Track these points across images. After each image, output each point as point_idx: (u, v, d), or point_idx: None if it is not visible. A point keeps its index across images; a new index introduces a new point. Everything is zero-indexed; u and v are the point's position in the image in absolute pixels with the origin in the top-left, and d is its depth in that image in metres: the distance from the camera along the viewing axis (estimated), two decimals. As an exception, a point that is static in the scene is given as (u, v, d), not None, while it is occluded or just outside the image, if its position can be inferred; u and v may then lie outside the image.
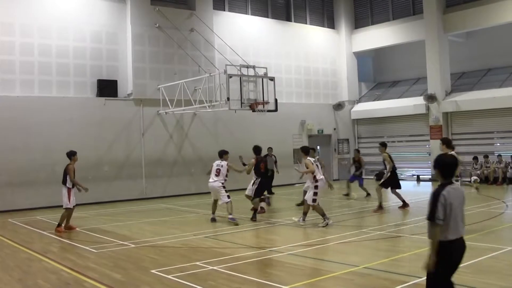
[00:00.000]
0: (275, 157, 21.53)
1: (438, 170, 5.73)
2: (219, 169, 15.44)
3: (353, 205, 18.84)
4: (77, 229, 14.66)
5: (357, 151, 22.41)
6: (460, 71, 28.74)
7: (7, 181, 19.95)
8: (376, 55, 33.53)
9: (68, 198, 14.51)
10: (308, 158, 14.32)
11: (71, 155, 15.00)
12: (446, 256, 5.61)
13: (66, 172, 14.69)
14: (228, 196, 15.17)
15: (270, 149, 21.64)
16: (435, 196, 5.53)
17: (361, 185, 21.06)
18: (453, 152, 12.22)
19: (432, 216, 5.51)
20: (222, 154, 15.73)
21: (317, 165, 14.32)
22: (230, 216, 14.95)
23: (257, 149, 16.45)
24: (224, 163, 15.51)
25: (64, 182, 14.65)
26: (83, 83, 22.25)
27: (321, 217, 13.87)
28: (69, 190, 14.57)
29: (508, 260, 9.45)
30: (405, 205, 16.90)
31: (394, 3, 30.49)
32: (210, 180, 15.38)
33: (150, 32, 23.62)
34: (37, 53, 21.16)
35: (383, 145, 17.83)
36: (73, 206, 14.70)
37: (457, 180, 15.90)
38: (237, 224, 14.60)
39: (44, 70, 21.29)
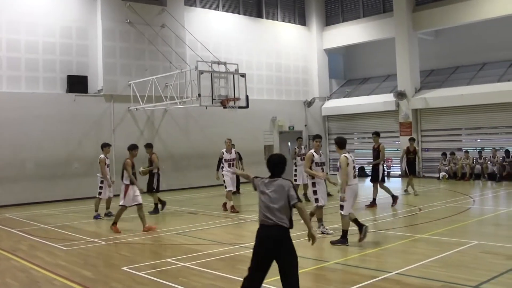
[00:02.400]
0: (239, 154, 20.50)
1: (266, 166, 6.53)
2: None
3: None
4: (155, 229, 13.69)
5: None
6: (429, 68, 29.11)
7: (-25, 178, 19.65)
8: (346, 52, 33.76)
9: (124, 195, 13.45)
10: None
11: (131, 149, 14.07)
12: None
13: (124, 167, 13.69)
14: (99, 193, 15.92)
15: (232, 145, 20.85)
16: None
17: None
18: (346, 154, 11.13)
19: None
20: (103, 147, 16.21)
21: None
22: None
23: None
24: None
25: (122, 178, 13.69)
26: (53, 78, 21.98)
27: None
28: (126, 186, 13.48)
29: (475, 254, 9.62)
30: (374, 203, 16.74)
31: (365, 1, 30.72)
32: None
33: (121, 27, 23.42)
34: (5, 48, 20.84)
35: (378, 134, 17.46)
36: (129, 206, 13.50)
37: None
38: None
39: (13, 65, 20.98)
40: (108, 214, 16.11)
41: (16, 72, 21.07)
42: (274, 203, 6.32)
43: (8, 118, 20.48)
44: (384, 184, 17.08)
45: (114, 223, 13.52)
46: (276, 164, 6.49)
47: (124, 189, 13.53)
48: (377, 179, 16.84)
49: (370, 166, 17.22)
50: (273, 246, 6.36)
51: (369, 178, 17.69)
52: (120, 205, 13.55)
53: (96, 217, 15.90)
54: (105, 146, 16.37)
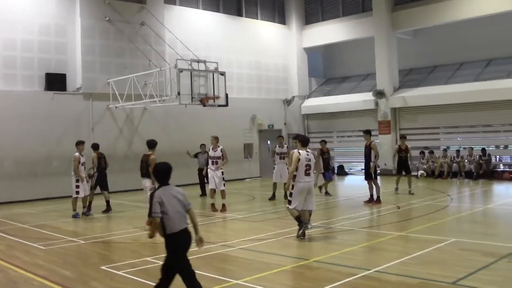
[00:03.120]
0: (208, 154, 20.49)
1: (154, 175, 6.78)
2: None
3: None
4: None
5: (324, 142, 20.46)
6: (408, 67, 29.34)
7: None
8: (326, 51, 33.88)
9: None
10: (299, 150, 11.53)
11: (155, 145, 14.24)
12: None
13: (149, 164, 13.68)
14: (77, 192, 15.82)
15: (203, 146, 20.57)
16: (151, 196, 6.44)
17: (329, 179, 19.79)
18: (309, 150, 11.37)
19: (150, 212, 6.37)
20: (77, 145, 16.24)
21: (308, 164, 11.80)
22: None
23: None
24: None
25: (147, 174, 13.81)
26: (31, 76, 21.78)
27: None
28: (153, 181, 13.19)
29: (452, 251, 9.73)
30: (372, 200, 16.73)
31: (344, 0, 30.84)
32: None
33: (100, 25, 23.26)
34: (-18, 45, 20.64)
35: (368, 132, 17.38)
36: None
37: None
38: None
39: (-10, 63, 20.78)
40: (86, 213, 16.01)
41: (-7, 69, 20.88)
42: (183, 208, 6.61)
43: (-15, 116, 20.28)
44: (377, 182, 17.04)
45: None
46: (166, 172, 6.67)
47: (150, 183, 13.74)
48: (371, 176, 16.84)
49: (369, 165, 17.02)
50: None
51: (362, 176, 17.78)
52: None
53: (75, 216, 15.79)
54: (80, 144, 16.22)
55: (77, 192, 15.90)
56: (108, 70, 23.29)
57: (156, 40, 24.32)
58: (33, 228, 14.20)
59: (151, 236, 6.65)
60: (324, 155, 19.55)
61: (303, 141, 11.56)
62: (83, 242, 12.00)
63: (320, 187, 18.93)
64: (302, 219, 11.21)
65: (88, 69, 22.90)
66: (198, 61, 19.91)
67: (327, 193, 19.06)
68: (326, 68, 34.48)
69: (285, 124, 31.11)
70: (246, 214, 15.52)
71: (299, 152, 11.15)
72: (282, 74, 31.49)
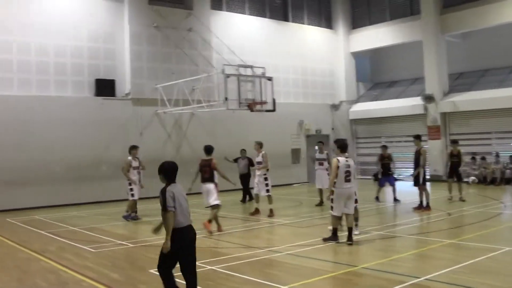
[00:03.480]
0: (249, 159, 20.26)
1: (162, 174, 7.06)
2: None
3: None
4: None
5: (385, 147, 19.56)
6: (458, 71, 28.76)
7: (6, 180, 19.94)
8: (373, 55, 33.56)
9: (217, 194, 13.87)
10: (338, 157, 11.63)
11: (212, 150, 14.40)
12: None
13: (214, 168, 13.93)
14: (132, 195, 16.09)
15: (243, 151, 20.76)
16: (163, 192, 6.80)
17: (392, 184, 18.99)
18: (340, 157, 11.38)
19: (165, 206, 6.72)
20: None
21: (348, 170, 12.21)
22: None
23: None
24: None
25: (210, 178, 13.96)
26: (81, 82, 22.25)
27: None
28: (216, 185, 13.96)
29: (506, 261, 9.46)
30: (421, 207, 16.44)
31: (392, 4, 30.53)
32: None
33: (148, 31, 23.61)
34: (34, 52, 21.18)
35: (418, 137, 17.11)
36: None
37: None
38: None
39: (42, 69, 21.31)
40: (134, 218, 16.17)
41: (45, 76, 21.39)
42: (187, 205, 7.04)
43: (37, 121, 20.80)
44: (426, 188, 16.74)
45: (210, 221, 13.54)
46: (174, 170, 7.13)
47: (215, 188, 13.84)
48: (419, 182, 16.58)
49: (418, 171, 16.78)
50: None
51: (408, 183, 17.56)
52: (217, 204, 13.67)
53: (126, 217, 15.96)
54: (133, 149, 16.47)
55: (132, 195, 16.13)
56: (156, 76, 23.59)
57: (203, 46, 24.54)
58: (83, 231, 14.45)
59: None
60: (384, 160, 19.01)
61: (341, 147, 11.60)
62: (131, 245, 12.15)
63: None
64: (337, 233, 11.44)
65: (137, 75, 23.26)
66: (245, 66, 19.95)
67: (376, 198, 18.77)
68: (374, 73, 34.14)
69: (332, 129, 30.92)
70: (293, 219, 15.44)
71: (338, 159, 11.24)
72: (329, 79, 31.33)
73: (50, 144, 20.84)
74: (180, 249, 6.88)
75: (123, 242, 12.47)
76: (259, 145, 16.96)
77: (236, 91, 19.12)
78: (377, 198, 18.81)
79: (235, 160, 20.83)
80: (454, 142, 19.71)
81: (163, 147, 23.69)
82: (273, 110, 20.36)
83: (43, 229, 14.88)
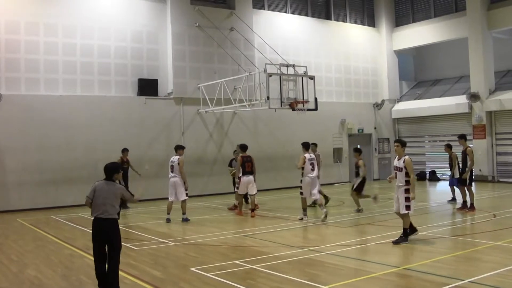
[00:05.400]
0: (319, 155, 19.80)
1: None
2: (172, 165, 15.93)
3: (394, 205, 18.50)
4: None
5: (449, 146, 18.54)
6: (505, 69, 28.11)
7: (51, 179, 20.39)
8: (417, 53, 33.10)
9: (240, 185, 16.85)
10: (305, 154, 15.47)
11: (247, 147, 17.19)
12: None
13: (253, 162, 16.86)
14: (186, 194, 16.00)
15: (236, 152, 19.66)
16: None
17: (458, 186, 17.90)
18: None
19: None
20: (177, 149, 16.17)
21: (312, 162, 15.43)
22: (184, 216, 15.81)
23: (242, 147, 17.28)
24: (176, 158, 15.93)
25: (252, 172, 16.74)
26: (124, 82, 22.57)
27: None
28: (240, 178, 16.76)
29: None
30: (465, 207, 16.23)
31: (436, 1, 30.04)
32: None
33: (190, 31, 23.79)
34: (79, 53, 21.58)
35: (463, 137, 17.04)
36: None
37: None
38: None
39: (87, 69, 21.69)
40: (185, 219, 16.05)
41: (89, 76, 21.77)
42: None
43: (82, 120, 21.20)
44: (471, 188, 16.51)
45: (253, 210, 16.58)
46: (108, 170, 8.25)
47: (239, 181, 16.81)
48: (465, 182, 16.36)
49: (465, 171, 16.52)
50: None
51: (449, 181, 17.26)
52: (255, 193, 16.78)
53: (185, 220, 15.78)
54: (180, 148, 16.02)
55: (187, 195, 16.09)
56: (198, 75, 23.77)
57: (245, 45, 24.59)
58: (126, 229, 14.63)
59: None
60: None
61: (403, 144, 11.71)
62: (173, 244, 12.26)
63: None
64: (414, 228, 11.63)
65: (179, 75, 23.47)
66: (287, 65, 19.89)
67: (454, 199, 18.04)
68: (417, 71, 33.68)
69: (375, 128, 30.63)
70: (335, 219, 15.35)
71: (410, 159, 11.44)
72: (372, 77, 31.05)
73: (94, 144, 21.19)
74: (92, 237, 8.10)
75: (165, 241, 12.60)
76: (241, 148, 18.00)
77: (278, 90, 19.07)
78: (454, 199, 18.15)
79: (230, 164, 20.28)
80: None
81: (205, 146, 23.86)
82: (315, 109, 20.26)
83: (87, 226, 15.09)
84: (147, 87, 22.88)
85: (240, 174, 16.73)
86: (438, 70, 31.82)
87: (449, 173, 19.20)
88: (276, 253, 10.68)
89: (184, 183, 15.70)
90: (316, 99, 20.02)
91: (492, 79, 27.21)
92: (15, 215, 18.35)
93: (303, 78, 19.75)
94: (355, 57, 30.22)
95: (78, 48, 21.58)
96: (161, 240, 12.71)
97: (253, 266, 9.47)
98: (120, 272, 9.38)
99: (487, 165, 25.63)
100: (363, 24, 31.18)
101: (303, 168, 15.38)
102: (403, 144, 11.63)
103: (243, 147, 17.03)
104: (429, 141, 30.99)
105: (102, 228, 7.94)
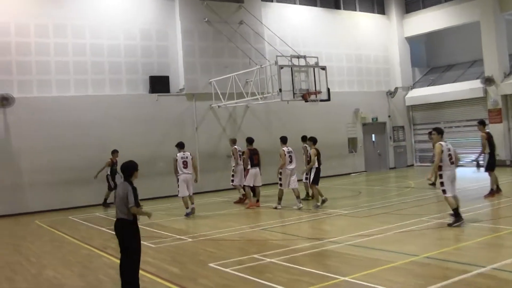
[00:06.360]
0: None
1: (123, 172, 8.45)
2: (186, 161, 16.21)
3: (412, 193, 18.45)
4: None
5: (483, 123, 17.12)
6: (519, 51, 27.79)
7: (65, 179, 20.40)
8: (428, 39, 32.77)
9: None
10: (283, 148, 16.38)
11: (252, 141, 18.06)
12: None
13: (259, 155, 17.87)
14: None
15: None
16: (135, 189, 8.16)
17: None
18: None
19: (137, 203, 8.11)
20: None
21: (290, 155, 16.29)
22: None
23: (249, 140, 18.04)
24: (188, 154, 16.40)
25: (259, 164, 17.70)
26: (135, 80, 22.57)
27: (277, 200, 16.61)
28: (247, 170, 17.56)
29: None
30: (492, 192, 15.94)
31: (446, -15, 29.74)
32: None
33: (199, 27, 23.74)
34: (89, 53, 21.59)
35: (482, 123, 16.77)
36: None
37: None
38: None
39: (97, 69, 21.70)
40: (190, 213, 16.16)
41: (100, 75, 21.78)
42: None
43: (94, 120, 21.19)
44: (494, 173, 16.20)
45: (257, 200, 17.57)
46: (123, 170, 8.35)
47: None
48: (491, 167, 16.10)
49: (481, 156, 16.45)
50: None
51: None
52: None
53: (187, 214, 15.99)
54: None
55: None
56: (209, 70, 23.71)
57: (255, 38, 24.50)
58: (142, 226, 14.52)
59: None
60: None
61: (440, 132, 12.23)
62: (190, 240, 12.24)
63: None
64: (459, 212, 11.74)
65: (190, 70, 23.43)
66: (298, 57, 19.78)
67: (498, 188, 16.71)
68: (430, 57, 33.37)
69: (389, 116, 30.43)
70: (352, 209, 15.27)
71: (441, 144, 11.84)
72: (384, 65, 30.83)
73: (107, 143, 21.02)
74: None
75: (182, 237, 12.59)
76: (231, 141, 19.50)
77: (290, 82, 18.99)
78: (498, 188, 16.64)
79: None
80: None
81: (218, 141, 23.79)
82: (328, 100, 20.16)
83: (104, 226, 15.16)
84: (159, 84, 22.86)
85: (249, 166, 17.38)
86: (451, 55, 31.49)
87: (467, 158, 18.98)
88: (294, 245, 10.63)
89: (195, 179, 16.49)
90: (328, 89, 19.91)
91: (506, 62, 26.88)
92: (32, 217, 18.43)
93: (315, 68, 19.65)
94: (366, 46, 30.00)
95: (88, 48, 21.58)
96: (178, 236, 12.70)
97: (272, 260, 9.42)
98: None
99: (504, 149, 25.34)
100: (373, 12, 30.94)
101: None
102: (439, 132, 12.20)
103: (250, 140, 17.86)
104: (445, 127, 30.60)
105: (115, 227, 8.10)
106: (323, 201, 16.15)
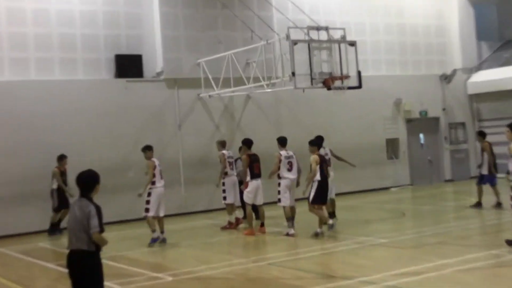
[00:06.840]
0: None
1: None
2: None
3: (476, 216, 18.41)
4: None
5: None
6: None
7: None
8: (501, 2, 32.71)
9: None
10: (280, 151, 16.75)
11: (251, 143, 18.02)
12: None
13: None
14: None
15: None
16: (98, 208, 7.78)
17: (494, 185, 19.39)
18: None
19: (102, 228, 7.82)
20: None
21: (289, 161, 16.56)
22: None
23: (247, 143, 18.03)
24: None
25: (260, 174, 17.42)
26: (96, 60, 22.57)
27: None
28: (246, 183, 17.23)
29: None
30: None
31: None
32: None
33: (184, -13, 23.82)
34: (31, 21, 21.53)
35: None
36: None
37: None
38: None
39: (42, 44, 21.65)
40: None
41: (46, 53, 21.71)
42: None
43: (36, 114, 20.96)
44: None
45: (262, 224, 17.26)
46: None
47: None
48: None
49: None
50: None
51: None
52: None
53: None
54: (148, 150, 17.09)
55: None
56: (197, 48, 23.72)
57: (259, 4, 24.47)
58: (106, 261, 14.59)
59: None
60: None
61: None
62: (171, 278, 12.24)
63: None
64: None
65: (171, 47, 23.44)
66: (318, 29, 19.77)
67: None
68: (503, 27, 33.26)
69: (443, 109, 30.43)
70: (393, 237, 15.26)
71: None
72: (437, 39, 30.83)
73: (57, 145, 20.70)
74: None
75: (160, 275, 12.57)
76: (219, 144, 19.56)
77: (307, 64, 18.98)
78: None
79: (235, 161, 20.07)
80: None
81: (209, 142, 23.63)
82: (359, 87, 20.14)
83: (50, 260, 15.21)
84: (128, 65, 22.87)
85: (248, 178, 17.02)
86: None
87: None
88: (312, 286, 10.63)
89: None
90: (359, 72, 19.88)
91: None
92: None
93: (341, 44, 19.65)
94: (412, 12, 30.00)
95: (29, 14, 21.51)
96: (154, 274, 12.70)
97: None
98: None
99: None
100: (423, -34, 31.04)
101: (279, 168, 16.38)
102: None
103: (248, 143, 17.81)
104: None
105: (69, 262, 7.88)
106: (331, 226, 16.30)
